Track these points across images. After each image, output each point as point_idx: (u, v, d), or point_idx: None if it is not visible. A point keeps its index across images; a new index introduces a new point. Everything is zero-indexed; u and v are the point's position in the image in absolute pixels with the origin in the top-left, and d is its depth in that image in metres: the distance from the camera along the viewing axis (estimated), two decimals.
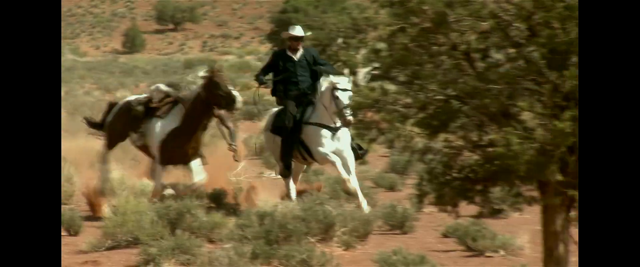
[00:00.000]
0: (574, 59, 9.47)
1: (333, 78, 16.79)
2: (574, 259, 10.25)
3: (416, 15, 9.73)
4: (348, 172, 16.41)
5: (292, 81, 17.05)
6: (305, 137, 16.76)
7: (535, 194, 9.98)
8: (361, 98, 10.87)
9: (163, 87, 17.68)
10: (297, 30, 17.56)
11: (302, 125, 16.68)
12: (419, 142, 10.61)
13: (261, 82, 17.63)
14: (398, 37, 9.94)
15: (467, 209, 10.63)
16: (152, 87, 18.30)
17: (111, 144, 18.51)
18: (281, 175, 17.98)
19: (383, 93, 10.46)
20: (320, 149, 16.53)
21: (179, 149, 16.24)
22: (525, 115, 9.77)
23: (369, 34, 19.18)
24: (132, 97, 18.55)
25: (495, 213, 10.91)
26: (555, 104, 9.27)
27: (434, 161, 10.55)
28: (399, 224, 20.64)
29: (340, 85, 16.42)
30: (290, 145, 16.92)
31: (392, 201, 21.62)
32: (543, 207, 10.15)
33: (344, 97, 16.17)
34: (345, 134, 16.89)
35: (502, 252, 17.47)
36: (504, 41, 9.88)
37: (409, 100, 10.31)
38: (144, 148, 17.82)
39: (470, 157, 10.39)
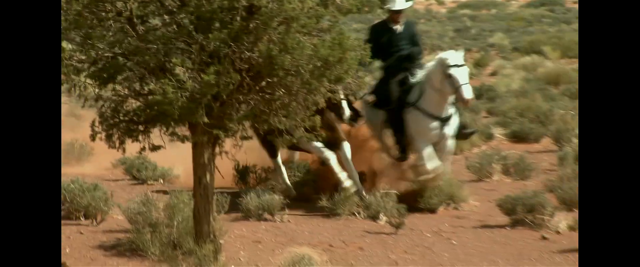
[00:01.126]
0: (217, 24, 11.80)
1: (443, 54, 15.30)
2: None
3: None
4: (444, 160, 15.47)
5: (393, 53, 15.71)
6: (408, 121, 15.35)
7: (187, 133, 12.03)
8: None
9: None
10: (398, 5, 15.91)
11: (407, 105, 15.30)
12: (92, 91, 12.20)
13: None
14: (72, 5, 11.18)
15: (133, 145, 12.13)
16: None
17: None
18: (399, 158, 16.22)
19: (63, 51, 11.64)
20: (422, 144, 15.21)
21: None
22: (178, 70, 11.78)
23: None
24: None
25: (155, 148, 12.21)
26: (202, 61, 11.39)
27: (104, 106, 12.05)
28: (77, 158, 23.14)
29: (452, 61, 14.62)
30: (400, 120, 15.47)
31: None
32: (193, 144, 12.40)
33: (461, 75, 14.57)
34: (453, 123, 15.54)
35: (161, 181, 20.55)
36: (160, 9, 11.97)
37: (83, 56, 11.70)
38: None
39: (134, 103, 12.38)
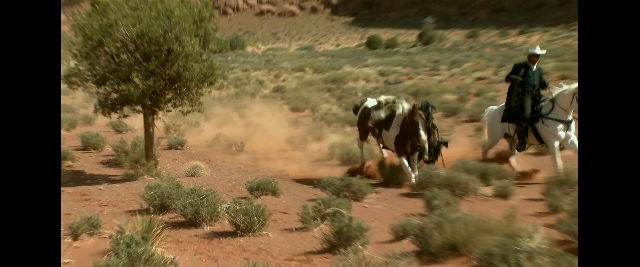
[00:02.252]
0: (153, 58, 19.07)
1: (574, 86, 17.07)
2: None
3: (111, 37, 18.90)
4: (557, 166, 17.07)
5: (530, 84, 17.90)
6: (542, 128, 17.45)
7: (140, 109, 20.52)
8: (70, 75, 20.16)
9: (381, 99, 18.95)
10: (538, 50, 18.68)
11: (541, 118, 17.39)
12: (94, 90, 20.41)
13: (513, 80, 18.28)
14: (85, 48, 19.04)
15: (114, 115, 21.14)
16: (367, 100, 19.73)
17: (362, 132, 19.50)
18: (518, 150, 18.62)
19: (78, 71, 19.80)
20: (554, 138, 17.25)
21: (404, 145, 17.00)
22: (136, 79, 19.14)
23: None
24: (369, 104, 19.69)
25: (125, 116, 21.45)
26: (146, 75, 19.03)
27: (100, 97, 20.45)
28: (88, 122, 32.24)
29: (573, 87, 17.01)
30: (526, 129, 17.73)
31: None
32: (144, 114, 20.76)
33: (575, 92, 16.83)
34: (573, 126, 17.33)
35: (129, 131, 28.64)
36: (126, 51, 19.11)
37: (89, 73, 19.55)
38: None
39: (114, 95, 20.36)
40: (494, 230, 11.12)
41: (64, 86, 20.18)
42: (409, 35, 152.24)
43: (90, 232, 12.52)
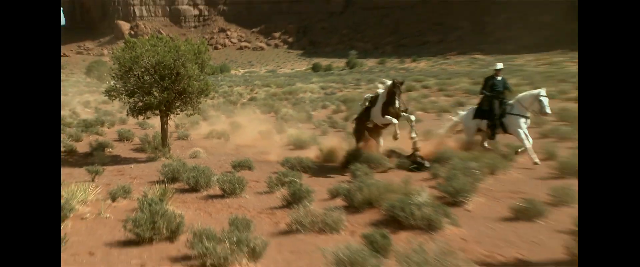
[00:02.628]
0: (166, 78, 18.79)
1: (536, 91, 16.67)
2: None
3: (138, 64, 18.98)
4: (529, 139, 16.28)
5: (496, 90, 16.99)
6: (509, 122, 16.57)
7: (157, 113, 19.98)
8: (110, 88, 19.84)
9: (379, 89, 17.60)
10: (499, 66, 17.74)
11: (507, 114, 16.57)
12: (126, 100, 19.84)
13: (483, 93, 17.42)
14: (119, 72, 19.07)
15: (140, 118, 20.62)
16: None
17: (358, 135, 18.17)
18: (490, 139, 17.28)
19: (115, 87, 19.51)
20: (520, 129, 16.31)
21: (389, 109, 15.89)
22: (155, 93, 18.80)
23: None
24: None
25: (148, 118, 21.12)
26: (162, 90, 18.70)
27: (131, 104, 19.80)
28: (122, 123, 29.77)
29: (543, 94, 16.16)
30: (496, 125, 16.74)
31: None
32: (160, 116, 20.18)
33: (546, 102, 16.11)
34: (527, 120, 16.58)
35: (151, 128, 26.64)
36: (148, 74, 18.81)
37: (123, 89, 19.32)
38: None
39: (140, 104, 19.50)
40: (396, 191, 11.39)
41: (105, 97, 21.59)
42: (340, 62, 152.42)
43: (124, 196, 12.55)
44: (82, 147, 21.20)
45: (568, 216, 9.66)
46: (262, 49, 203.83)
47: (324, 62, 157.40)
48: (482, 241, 9.19)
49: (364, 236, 8.63)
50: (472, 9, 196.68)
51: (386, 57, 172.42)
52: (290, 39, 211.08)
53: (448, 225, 9.81)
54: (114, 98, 20.36)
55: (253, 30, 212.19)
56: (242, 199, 12.73)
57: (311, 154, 18.19)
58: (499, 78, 17.31)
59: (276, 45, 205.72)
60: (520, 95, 17.05)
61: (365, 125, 17.28)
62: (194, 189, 13.71)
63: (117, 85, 19.81)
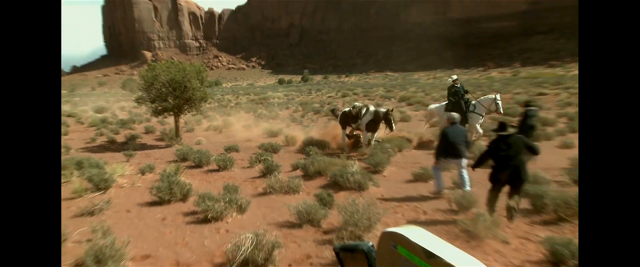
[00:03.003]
0: (178, 89, 19.28)
1: (493, 95, 15.26)
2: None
3: (157, 81, 18.36)
4: (480, 131, 15.21)
5: (459, 95, 15.49)
6: (470, 118, 15.13)
7: (172, 114, 19.20)
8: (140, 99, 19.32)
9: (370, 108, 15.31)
10: (454, 77, 16.36)
11: (468, 112, 15.15)
12: (150, 105, 18.94)
13: (449, 100, 15.96)
14: (144, 85, 18.60)
15: (159, 117, 19.95)
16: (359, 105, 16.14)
17: (343, 126, 15.56)
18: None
19: (142, 97, 18.90)
20: (477, 124, 15.06)
21: (373, 127, 14.43)
22: (170, 100, 18.25)
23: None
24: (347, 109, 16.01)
25: (165, 117, 20.17)
26: (174, 98, 18.12)
27: (153, 108, 18.88)
28: (147, 121, 28.09)
29: (498, 99, 14.91)
30: (464, 118, 14.74)
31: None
32: (174, 116, 19.49)
33: (500, 103, 14.99)
34: (482, 118, 15.39)
35: (168, 124, 25.08)
36: (165, 87, 18.39)
37: (148, 98, 18.65)
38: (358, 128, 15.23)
39: (160, 107, 18.70)
40: (337, 164, 11.41)
41: (135, 103, 20.57)
42: (297, 78, 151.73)
43: (150, 171, 12.52)
44: (119, 138, 20.78)
45: (448, 178, 9.81)
46: (243, 69, 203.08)
47: (286, 77, 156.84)
48: (394, 196, 9.43)
49: (315, 195, 8.82)
50: (384, 41, 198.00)
51: (328, 74, 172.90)
52: (263, 62, 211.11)
53: (372, 186, 10.06)
54: (141, 104, 19.94)
55: (237, 56, 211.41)
56: (231, 172, 12.73)
57: (279, 140, 17.95)
58: (458, 85, 16.03)
59: (253, 66, 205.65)
60: (481, 98, 15.88)
61: (349, 123, 15.45)
62: (198, 165, 13.62)
63: (143, 95, 19.36)
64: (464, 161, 9.14)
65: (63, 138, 20.87)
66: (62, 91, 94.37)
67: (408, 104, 36.11)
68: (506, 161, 7.22)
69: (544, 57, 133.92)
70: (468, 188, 8.84)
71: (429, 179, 10.47)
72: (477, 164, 7.80)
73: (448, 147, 9.11)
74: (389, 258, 1.26)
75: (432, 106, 18.01)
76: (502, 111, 15.40)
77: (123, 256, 6.08)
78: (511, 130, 7.51)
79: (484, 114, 15.36)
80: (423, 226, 1.24)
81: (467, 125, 14.67)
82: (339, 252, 1.49)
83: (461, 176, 9.05)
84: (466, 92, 16.05)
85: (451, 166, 9.64)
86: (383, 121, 14.39)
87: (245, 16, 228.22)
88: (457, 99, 15.55)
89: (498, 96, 15.09)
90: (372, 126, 14.71)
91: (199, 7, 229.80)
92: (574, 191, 8.09)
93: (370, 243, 1.42)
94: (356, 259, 1.43)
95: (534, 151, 7.57)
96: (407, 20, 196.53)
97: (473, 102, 15.48)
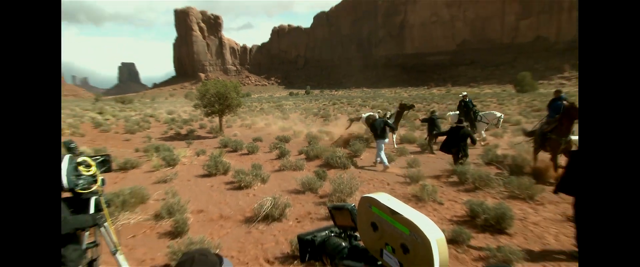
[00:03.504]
0: (221, 99, 19.43)
1: (498, 114, 13.39)
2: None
3: (208, 92, 17.98)
4: (484, 135, 13.29)
5: (469, 107, 13.42)
6: (478, 125, 13.14)
7: (217, 115, 18.62)
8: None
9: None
10: (464, 93, 14.26)
11: (476, 121, 13.20)
12: (203, 110, 18.47)
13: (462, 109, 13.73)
14: (200, 95, 18.32)
15: (209, 118, 19.66)
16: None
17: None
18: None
19: (198, 103, 18.50)
20: (482, 131, 13.12)
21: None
22: (216, 106, 18.24)
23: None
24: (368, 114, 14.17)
25: (213, 118, 19.42)
26: (219, 105, 17.59)
27: (204, 111, 18.22)
28: (201, 119, 28.02)
29: (501, 117, 13.15)
30: (473, 125, 13.02)
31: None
32: (219, 116, 18.54)
33: (501, 120, 13.13)
34: (486, 126, 13.39)
35: (216, 120, 24.57)
36: (213, 97, 18.35)
37: (202, 104, 18.15)
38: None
39: (210, 110, 18.20)
40: (330, 150, 11.16)
41: (194, 108, 19.87)
42: (302, 91, 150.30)
43: (203, 154, 12.16)
44: (183, 131, 20.18)
45: (404, 161, 9.72)
46: (265, 85, 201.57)
47: (295, 91, 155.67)
48: (366, 173, 9.27)
49: (314, 171, 8.68)
50: (361, 67, 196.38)
51: (323, 89, 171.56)
52: (278, 81, 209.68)
53: (352, 166, 9.90)
54: (197, 108, 19.53)
55: (261, 76, 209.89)
56: (257, 155, 12.47)
57: (289, 133, 17.59)
58: (467, 100, 13.96)
59: (272, 84, 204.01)
60: (487, 112, 13.89)
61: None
62: (234, 150, 13.24)
63: (199, 102, 18.92)
64: (383, 142, 9.88)
65: (145, 131, 20.37)
66: (146, 100, 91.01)
67: (376, 108, 35.26)
68: (457, 141, 8.64)
69: (466, 81, 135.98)
70: (383, 158, 9.52)
71: (393, 159, 10.46)
72: (443, 147, 8.89)
73: (375, 132, 10.00)
74: (366, 215, 1.27)
75: (449, 113, 15.33)
76: (500, 126, 13.78)
77: (185, 210, 6.12)
78: (463, 124, 8.78)
79: (488, 123, 13.50)
80: (388, 193, 1.26)
81: (474, 129, 12.99)
82: (331, 210, 1.47)
83: (380, 149, 9.69)
84: (474, 105, 14.04)
85: (379, 144, 10.02)
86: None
87: (267, 50, 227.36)
88: (466, 111, 13.59)
89: (502, 115, 13.50)
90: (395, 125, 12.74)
91: (236, 44, 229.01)
92: (485, 169, 8.31)
93: (353, 204, 1.44)
94: (343, 215, 1.44)
95: (472, 140, 8.60)
96: (377, 53, 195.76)
97: (480, 113, 13.70)
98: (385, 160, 9.60)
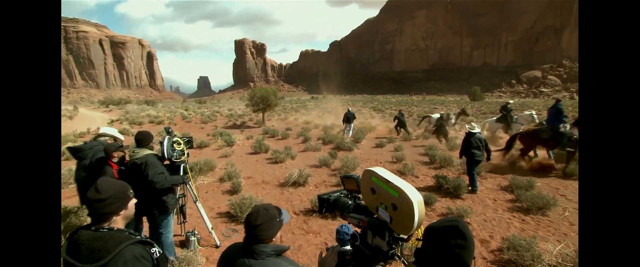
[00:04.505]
0: (265, 100, 19.07)
1: (529, 112, 10.20)
2: None
3: (255, 96, 17.53)
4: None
5: (507, 111, 10.16)
6: (513, 126, 9.89)
7: (261, 112, 18.43)
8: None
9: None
10: (511, 101, 11.31)
11: (512, 123, 9.90)
12: (252, 108, 18.13)
13: (502, 112, 10.60)
14: (250, 96, 18.11)
15: (256, 113, 19.54)
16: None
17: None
18: (508, 134, 9.78)
19: (248, 103, 18.28)
20: (518, 128, 9.63)
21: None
22: (261, 105, 18.17)
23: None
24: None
25: (258, 113, 19.29)
26: (264, 104, 17.31)
27: (253, 108, 17.96)
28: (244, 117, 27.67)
29: (534, 115, 9.99)
30: (509, 127, 10.05)
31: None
32: (262, 112, 17.87)
33: (536, 116, 9.76)
34: (522, 127, 9.67)
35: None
36: (257, 98, 18.96)
37: (250, 103, 17.73)
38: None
39: (256, 108, 18.36)
40: (338, 137, 10.58)
41: (246, 107, 19.22)
42: (320, 95, 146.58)
43: (250, 138, 11.85)
44: (237, 122, 19.41)
45: (391, 154, 9.26)
46: (294, 91, 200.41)
47: (315, 96, 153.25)
48: (365, 154, 8.93)
49: (328, 152, 8.42)
50: (362, 79, 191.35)
51: (335, 94, 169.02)
52: (304, 88, 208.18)
53: (356, 149, 9.46)
54: (248, 107, 19.07)
55: (291, 85, 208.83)
56: (288, 139, 11.99)
57: (311, 125, 16.83)
58: (509, 106, 10.73)
59: (300, 90, 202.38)
60: (521, 114, 10.81)
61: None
62: (272, 136, 12.73)
63: (249, 103, 18.41)
64: (351, 125, 10.61)
65: (213, 122, 19.75)
66: (214, 101, 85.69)
67: (375, 110, 33.34)
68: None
69: (435, 91, 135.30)
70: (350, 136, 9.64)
71: (384, 146, 9.89)
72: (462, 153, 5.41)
73: (346, 120, 10.83)
74: (367, 182, 1.27)
75: (489, 120, 11.68)
76: (537, 121, 10.03)
77: (239, 176, 6.13)
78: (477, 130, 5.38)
79: (523, 124, 10.40)
80: (383, 167, 1.25)
81: (510, 131, 10.22)
82: (342, 178, 1.46)
83: (349, 131, 10.03)
84: (511, 110, 10.99)
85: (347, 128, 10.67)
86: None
87: (296, 66, 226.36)
88: (505, 115, 10.70)
89: (534, 112, 10.60)
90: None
91: (275, 62, 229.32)
92: (448, 154, 7.87)
93: (358, 174, 1.43)
94: (350, 182, 1.43)
95: (487, 150, 5.38)
96: (374, 70, 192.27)
97: (515, 117, 10.77)
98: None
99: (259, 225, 1.24)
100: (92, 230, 1.18)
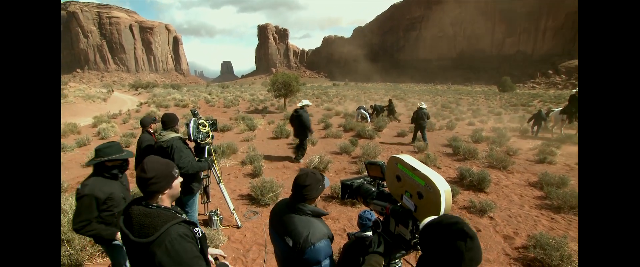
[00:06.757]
0: (286, 86, 19.05)
1: (558, 109, 9.73)
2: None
3: (277, 81, 17.82)
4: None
5: (541, 109, 10.00)
6: (554, 117, 9.55)
7: (282, 97, 18.45)
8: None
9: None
10: (575, 90, 10.11)
11: (544, 120, 9.78)
12: (273, 93, 18.61)
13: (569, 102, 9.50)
14: (272, 83, 18.30)
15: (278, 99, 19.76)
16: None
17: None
18: (569, 123, 9.33)
19: (270, 88, 18.79)
20: (554, 124, 9.49)
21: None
22: (283, 90, 18.59)
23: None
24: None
25: (280, 98, 19.03)
26: (285, 90, 18.25)
27: (275, 93, 18.04)
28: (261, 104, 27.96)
29: (558, 109, 9.56)
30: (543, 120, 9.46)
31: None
32: (283, 97, 18.27)
33: (557, 113, 9.33)
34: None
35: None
36: (279, 84, 18.98)
37: (271, 89, 17.87)
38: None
39: (278, 94, 18.52)
40: (359, 125, 10.48)
41: (267, 92, 19.03)
42: (342, 83, 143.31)
43: (272, 123, 11.83)
44: (259, 107, 19.40)
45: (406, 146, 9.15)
46: (316, 77, 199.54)
47: (337, 82, 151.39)
48: (385, 141, 8.81)
49: (349, 140, 8.38)
50: (376, 69, 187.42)
51: (356, 82, 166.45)
52: (326, 75, 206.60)
53: (377, 137, 9.36)
54: (270, 92, 19.05)
55: (313, 71, 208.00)
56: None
57: (332, 112, 16.66)
58: (575, 94, 9.58)
59: (322, 77, 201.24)
60: (554, 109, 10.28)
61: None
62: None
63: (271, 88, 18.45)
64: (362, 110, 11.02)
65: (235, 107, 19.66)
66: (237, 86, 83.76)
67: (397, 98, 32.48)
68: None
69: (462, 81, 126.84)
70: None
71: (404, 135, 9.69)
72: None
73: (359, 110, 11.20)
74: (392, 169, 1.25)
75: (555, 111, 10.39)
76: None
77: (260, 158, 6.24)
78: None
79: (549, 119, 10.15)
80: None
81: (575, 122, 9.46)
82: (367, 164, 1.44)
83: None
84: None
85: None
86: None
87: (318, 52, 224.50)
88: (572, 105, 9.48)
89: (559, 108, 10.13)
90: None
91: (297, 48, 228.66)
92: (473, 146, 7.66)
93: (383, 161, 1.42)
94: (375, 168, 1.41)
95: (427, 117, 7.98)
96: (398, 58, 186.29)
97: (556, 109, 9.99)
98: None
99: (307, 185, 1.36)
100: (143, 205, 1.25)
